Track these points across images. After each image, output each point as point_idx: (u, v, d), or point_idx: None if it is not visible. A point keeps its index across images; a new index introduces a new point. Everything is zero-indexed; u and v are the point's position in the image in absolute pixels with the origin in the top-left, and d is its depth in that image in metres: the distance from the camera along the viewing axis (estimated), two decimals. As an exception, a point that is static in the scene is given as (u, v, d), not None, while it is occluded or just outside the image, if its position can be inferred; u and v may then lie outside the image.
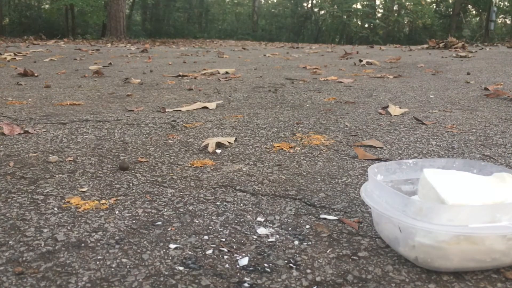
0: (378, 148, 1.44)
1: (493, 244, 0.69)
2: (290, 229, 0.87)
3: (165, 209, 0.96)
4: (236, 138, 1.55)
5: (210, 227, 0.88)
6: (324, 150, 1.42)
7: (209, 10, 25.36)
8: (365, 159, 1.33)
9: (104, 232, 0.85)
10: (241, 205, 0.99)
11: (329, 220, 0.91)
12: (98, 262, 0.75)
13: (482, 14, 22.26)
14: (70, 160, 1.30)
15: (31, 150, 1.40)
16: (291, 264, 0.75)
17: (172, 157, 1.34)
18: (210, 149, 1.39)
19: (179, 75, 3.50)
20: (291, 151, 1.41)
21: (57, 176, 1.17)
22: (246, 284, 0.69)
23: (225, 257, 0.77)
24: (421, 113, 1.99)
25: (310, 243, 0.82)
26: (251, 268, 0.73)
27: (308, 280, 0.70)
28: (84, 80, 3.28)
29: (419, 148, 1.44)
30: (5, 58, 4.98)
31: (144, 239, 0.83)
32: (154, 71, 3.88)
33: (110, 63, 4.58)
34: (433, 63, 4.32)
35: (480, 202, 0.73)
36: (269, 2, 28.24)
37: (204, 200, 1.01)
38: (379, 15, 24.58)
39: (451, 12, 22.33)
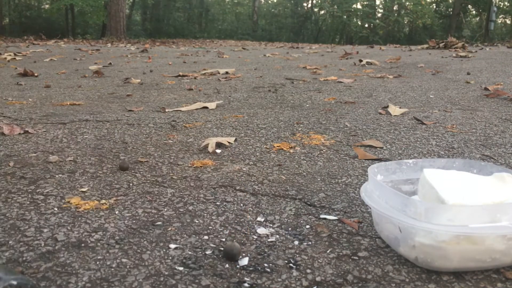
0: (378, 148, 1.44)
1: (493, 244, 0.69)
2: (290, 229, 0.87)
3: (165, 209, 0.96)
4: (236, 138, 1.55)
5: (210, 227, 0.88)
6: (324, 150, 1.42)
7: (209, 10, 25.34)
8: (365, 159, 1.33)
9: (104, 232, 0.85)
10: (241, 205, 0.99)
11: (329, 220, 0.91)
12: (98, 262, 0.75)
13: (482, 14, 22.27)
14: (70, 160, 1.30)
15: (31, 150, 1.40)
16: (291, 264, 0.75)
17: (172, 157, 1.34)
18: (210, 149, 1.39)
19: (179, 75, 3.50)
20: (291, 151, 1.41)
21: (57, 176, 1.17)
22: (246, 284, 0.69)
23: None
24: (421, 113, 1.99)
25: (310, 243, 0.82)
26: (251, 268, 0.73)
27: (308, 280, 0.70)
28: (84, 80, 3.28)
29: (419, 148, 1.44)
30: (5, 58, 4.98)
31: (144, 239, 0.83)
32: (154, 71, 3.88)
33: (110, 63, 4.58)
34: (433, 63, 4.32)
35: (480, 202, 0.73)
36: (269, 2, 28.23)
37: (204, 200, 1.01)
38: (379, 15, 24.58)
39: (451, 12, 22.33)
